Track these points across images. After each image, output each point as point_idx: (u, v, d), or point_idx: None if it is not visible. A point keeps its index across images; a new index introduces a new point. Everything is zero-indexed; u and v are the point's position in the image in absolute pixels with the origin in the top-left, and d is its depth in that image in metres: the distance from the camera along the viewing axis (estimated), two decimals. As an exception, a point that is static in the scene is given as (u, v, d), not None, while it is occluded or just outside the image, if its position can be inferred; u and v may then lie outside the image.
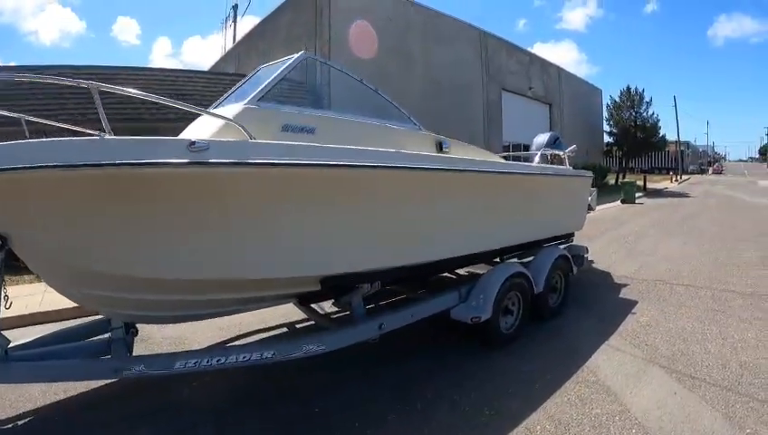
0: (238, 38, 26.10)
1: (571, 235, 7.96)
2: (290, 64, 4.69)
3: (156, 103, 3.64)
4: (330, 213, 3.78)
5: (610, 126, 40.12)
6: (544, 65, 31.68)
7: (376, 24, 18.50)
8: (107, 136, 2.94)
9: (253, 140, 3.47)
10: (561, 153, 7.80)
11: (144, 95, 3.49)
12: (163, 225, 3.23)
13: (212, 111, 4.27)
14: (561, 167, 7.60)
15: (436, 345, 5.40)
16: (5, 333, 3.51)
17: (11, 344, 3.53)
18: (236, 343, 5.44)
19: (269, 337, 5.62)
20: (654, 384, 4.34)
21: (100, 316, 4.45)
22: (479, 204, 5.15)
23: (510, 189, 5.68)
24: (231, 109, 4.18)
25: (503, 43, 26.85)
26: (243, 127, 3.50)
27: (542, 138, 8.39)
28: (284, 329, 5.99)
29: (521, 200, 5.95)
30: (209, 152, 3.06)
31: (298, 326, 6.04)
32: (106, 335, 4.20)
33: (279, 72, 4.55)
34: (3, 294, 3.41)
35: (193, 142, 3.04)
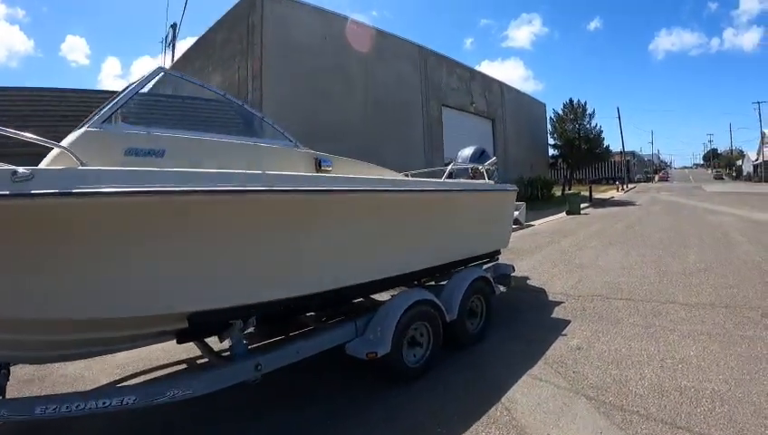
0: (177, 58, 25.59)
1: (496, 253, 7.53)
2: (141, 81, 4.27)
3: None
4: (180, 244, 3.40)
5: (555, 139, 40.78)
6: (486, 80, 31.86)
7: (311, 42, 18.21)
8: None
9: (82, 167, 3.09)
10: (480, 167, 7.29)
11: None
12: (13, 261, 2.97)
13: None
14: (479, 181, 7.09)
15: (344, 381, 4.90)
16: None
17: None
18: (131, 381, 5.05)
19: (142, 381, 5.03)
20: (577, 422, 3.85)
21: None
22: (370, 226, 4.66)
23: (410, 209, 5.17)
24: (75, 133, 3.86)
25: (442, 60, 26.82)
26: (72, 153, 3.21)
27: (467, 151, 7.91)
28: (184, 365, 5.49)
29: (426, 220, 5.41)
30: (33, 182, 2.76)
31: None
32: None
33: (128, 89, 4.19)
34: None
35: (15, 172, 2.75)
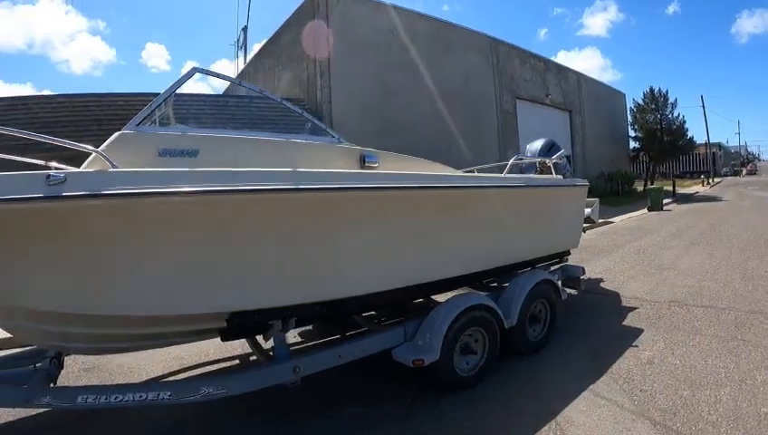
0: (249, 59, 26.23)
1: (565, 253, 7.05)
2: (177, 81, 4.35)
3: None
4: (213, 245, 3.42)
5: (635, 130, 38.72)
6: (561, 71, 30.53)
7: (378, 38, 18.04)
8: None
9: (112, 169, 3.18)
10: (547, 160, 6.77)
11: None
12: (55, 259, 3.15)
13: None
14: (545, 176, 6.61)
15: (388, 384, 4.71)
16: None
17: None
18: (181, 375, 5.16)
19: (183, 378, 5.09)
20: (638, 451, 3.45)
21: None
22: (416, 226, 4.42)
23: (467, 207, 4.87)
24: (113, 136, 3.98)
25: (514, 50, 25.85)
26: (104, 156, 3.31)
27: (536, 144, 7.44)
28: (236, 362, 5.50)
29: (484, 218, 5.08)
30: (65, 185, 2.91)
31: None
32: (35, 365, 4.07)
33: (165, 90, 4.26)
34: None
35: (49, 175, 2.90)
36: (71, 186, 2.93)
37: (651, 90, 38.16)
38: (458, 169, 5.97)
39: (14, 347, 4.89)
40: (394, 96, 18.17)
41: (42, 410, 4.11)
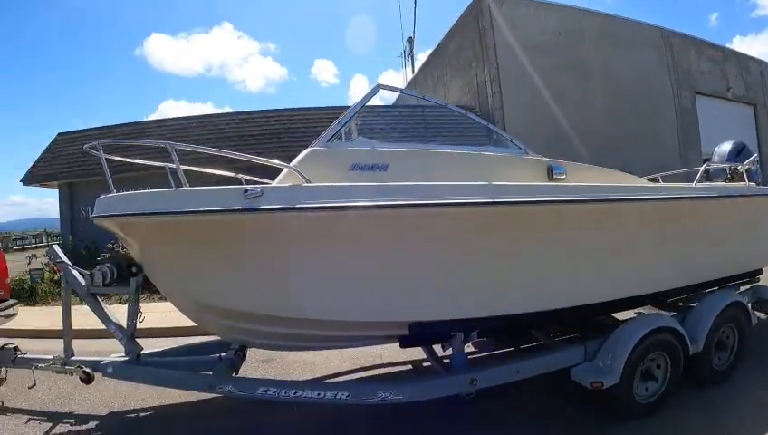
0: (416, 69, 26.69)
1: (757, 272, 6.19)
2: (363, 98, 4.46)
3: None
4: (406, 256, 3.60)
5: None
6: (741, 60, 26.62)
7: (544, 39, 17.44)
8: (182, 188, 3.43)
9: (306, 184, 3.48)
10: (738, 166, 6.01)
11: (205, 149, 3.86)
12: (245, 264, 3.57)
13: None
14: (737, 185, 5.87)
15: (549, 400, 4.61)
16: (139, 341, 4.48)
17: (143, 351, 4.53)
18: (355, 375, 5.53)
19: (356, 379, 5.43)
20: None
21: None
22: (606, 240, 4.24)
23: (653, 220, 4.55)
24: (304, 152, 4.21)
25: (689, 40, 23.14)
26: (298, 171, 3.60)
27: (724, 147, 6.59)
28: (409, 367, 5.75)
29: (672, 233, 4.70)
30: (262, 199, 3.22)
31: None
32: (220, 354, 4.60)
33: (351, 108, 4.44)
34: (139, 311, 4.49)
35: (246, 190, 3.23)
36: (267, 199, 3.22)
37: None
38: (636, 175, 5.44)
39: (200, 335, 5.56)
40: (563, 98, 17.35)
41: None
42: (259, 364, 5.88)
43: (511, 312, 4.00)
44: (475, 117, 4.95)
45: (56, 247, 5.05)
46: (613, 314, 5.18)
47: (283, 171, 4.11)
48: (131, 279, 4.42)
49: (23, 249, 36.13)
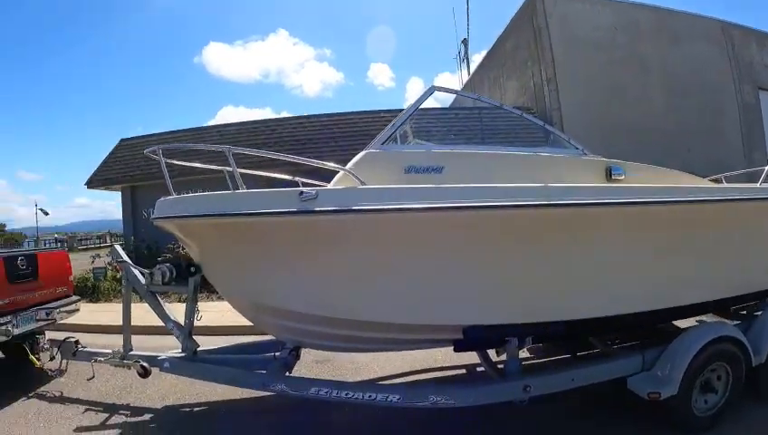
0: (472, 70, 26.41)
1: None
2: (417, 100, 4.42)
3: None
4: (458, 259, 3.55)
5: None
6: None
7: (600, 36, 16.99)
8: (239, 190, 3.59)
9: (361, 186, 3.47)
10: None
11: (261, 153, 4.16)
12: (301, 265, 3.62)
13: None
14: None
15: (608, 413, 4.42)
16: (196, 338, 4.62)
17: (199, 348, 4.65)
18: (409, 378, 5.52)
19: (411, 381, 5.41)
20: None
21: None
22: (665, 244, 4.04)
23: (716, 223, 4.27)
24: (359, 154, 4.21)
25: (750, 33, 21.60)
26: (353, 174, 3.60)
27: None
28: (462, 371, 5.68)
29: (737, 237, 4.43)
30: (317, 201, 3.24)
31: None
32: (275, 353, 4.68)
33: (406, 110, 4.40)
34: (196, 309, 4.64)
35: (302, 192, 3.26)
36: (322, 202, 3.24)
37: None
38: (697, 174, 5.18)
39: (256, 335, 5.61)
40: (621, 96, 16.88)
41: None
42: (314, 364, 5.95)
43: (567, 317, 3.92)
44: (531, 117, 4.85)
45: (118, 247, 5.33)
46: (674, 322, 5.00)
47: (339, 174, 4.13)
48: (189, 279, 4.56)
49: (86, 249, 37.91)
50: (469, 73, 26.50)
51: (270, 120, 17.80)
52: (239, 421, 4.70)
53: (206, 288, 5.05)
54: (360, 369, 5.87)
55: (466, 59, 26.99)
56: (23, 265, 5.87)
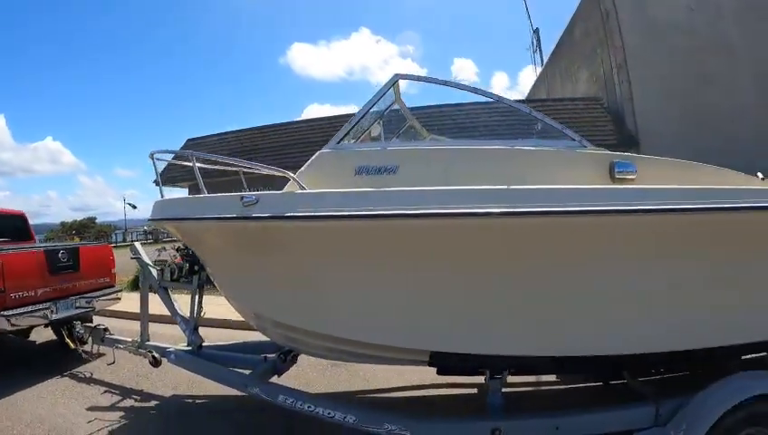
0: (545, 61, 24.75)
1: None
2: (378, 92, 4.02)
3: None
4: (412, 277, 3.16)
5: None
6: None
7: (676, 17, 15.19)
8: (200, 195, 3.57)
9: (299, 191, 3.32)
10: None
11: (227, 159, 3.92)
12: (275, 275, 3.50)
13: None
14: None
15: None
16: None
17: (204, 343, 4.79)
18: (415, 392, 5.26)
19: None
20: None
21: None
22: (695, 268, 3.10)
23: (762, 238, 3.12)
24: (315, 155, 3.98)
25: None
26: (294, 178, 3.44)
27: None
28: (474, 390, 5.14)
29: None
30: (256, 206, 3.14)
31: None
32: (266, 356, 4.71)
33: (365, 104, 4.01)
34: (200, 306, 4.77)
35: (242, 197, 3.18)
36: (261, 207, 3.14)
37: None
38: None
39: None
40: (709, 83, 14.70)
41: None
42: (327, 368, 5.88)
43: (554, 353, 3.37)
44: (512, 102, 4.27)
45: (137, 245, 5.66)
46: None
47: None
48: (193, 276, 4.76)
49: (171, 240, 39.90)
50: (542, 64, 24.80)
51: (331, 117, 17.68)
52: (235, 419, 4.79)
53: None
54: (373, 376, 5.68)
55: (539, 49, 25.60)
56: (64, 258, 6.47)
